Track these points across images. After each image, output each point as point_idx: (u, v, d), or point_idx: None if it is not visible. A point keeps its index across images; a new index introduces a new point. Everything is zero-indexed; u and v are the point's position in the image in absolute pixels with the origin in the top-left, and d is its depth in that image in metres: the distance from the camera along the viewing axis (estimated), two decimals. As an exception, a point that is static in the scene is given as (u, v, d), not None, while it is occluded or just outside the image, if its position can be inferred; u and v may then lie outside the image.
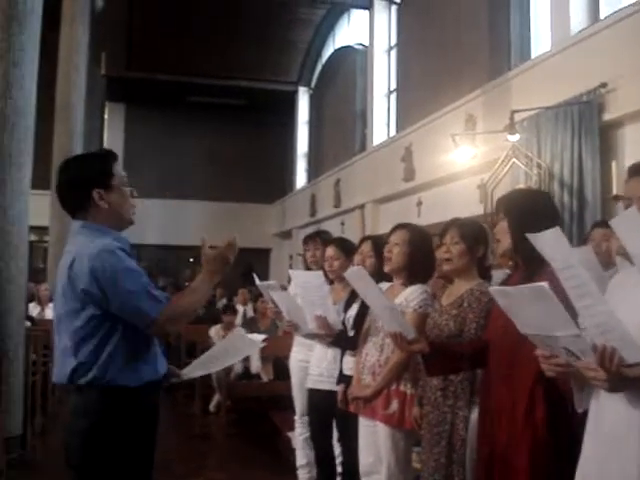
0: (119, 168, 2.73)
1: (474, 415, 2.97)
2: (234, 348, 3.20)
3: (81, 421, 2.52)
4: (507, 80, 8.75)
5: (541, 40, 8.99)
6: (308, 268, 4.79)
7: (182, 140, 20.60)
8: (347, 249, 4.41)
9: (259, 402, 7.70)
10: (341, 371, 3.99)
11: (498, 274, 3.36)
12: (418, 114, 11.33)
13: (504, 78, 8.86)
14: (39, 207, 8.85)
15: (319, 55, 19.18)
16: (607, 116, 6.81)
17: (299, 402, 4.83)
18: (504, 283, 2.86)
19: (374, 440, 3.57)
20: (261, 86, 19.24)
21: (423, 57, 12.29)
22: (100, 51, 17.08)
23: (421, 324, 3.31)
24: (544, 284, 1.85)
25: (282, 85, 19.93)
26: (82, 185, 2.64)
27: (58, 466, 5.23)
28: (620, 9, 6.99)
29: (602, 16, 7.49)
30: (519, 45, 9.38)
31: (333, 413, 4.14)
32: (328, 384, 4.21)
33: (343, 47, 17.36)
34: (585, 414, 2.11)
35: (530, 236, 1.98)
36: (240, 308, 10.81)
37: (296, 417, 4.91)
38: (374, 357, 3.59)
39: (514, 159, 7.85)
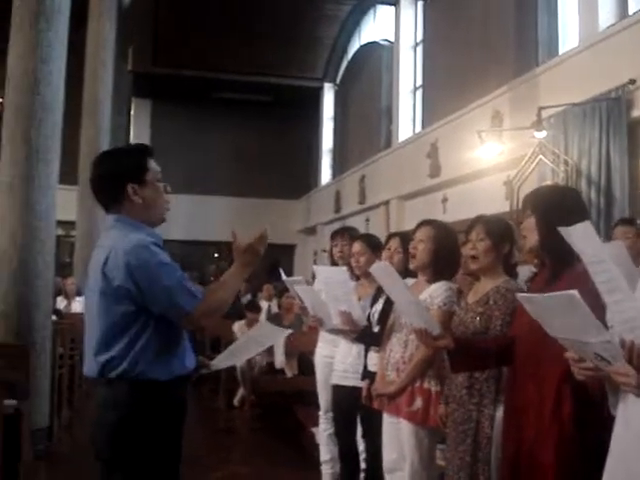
0: (154, 163, 2.73)
1: (500, 413, 2.95)
2: (261, 337, 3.22)
3: (110, 414, 2.54)
4: (534, 76, 8.69)
5: (569, 36, 8.91)
6: (334, 263, 4.78)
7: (208, 136, 20.68)
8: (373, 245, 4.41)
9: (283, 397, 7.71)
10: (365, 367, 3.99)
11: (524, 271, 3.34)
12: (444, 110, 11.28)
13: (531, 74, 8.79)
14: (66, 202, 8.94)
15: (345, 51, 19.14)
16: (635, 112, 6.74)
17: (323, 398, 4.83)
18: (530, 281, 2.84)
19: (398, 437, 3.56)
20: (286, 82, 19.25)
21: (449, 53, 12.22)
22: (127, 47, 17.18)
23: (446, 321, 3.29)
24: (574, 292, 1.83)
25: (307, 81, 19.92)
26: (117, 179, 2.65)
27: (84, 458, 5.29)
28: (650, 4, 6.91)
29: (630, 12, 7.41)
30: (546, 41, 9.30)
31: (357, 409, 4.14)
32: (352, 380, 4.21)
33: (369, 43, 17.31)
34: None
35: (562, 230, 1.96)
36: (265, 304, 10.83)
37: (320, 413, 4.92)
38: (398, 353, 3.58)
39: (541, 156, 7.79)
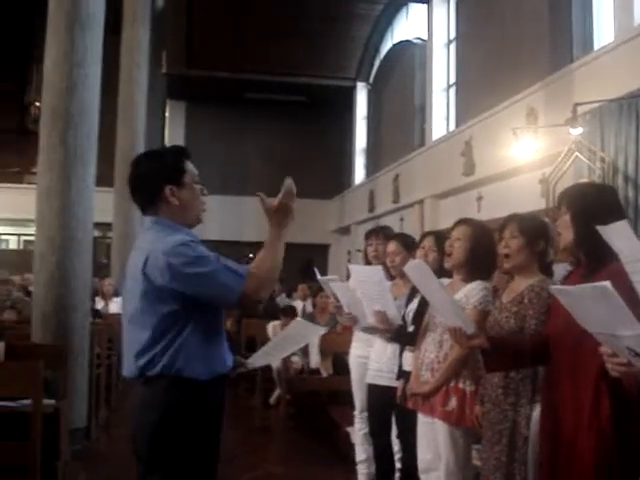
0: (191, 166, 2.75)
1: (536, 413, 2.92)
2: (297, 335, 3.23)
3: (150, 414, 2.56)
4: (569, 72, 8.59)
5: (604, 31, 8.80)
6: (369, 263, 4.77)
7: (241, 137, 20.79)
8: (409, 244, 4.40)
9: (318, 397, 7.73)
10: (400, 367, 3.98)
11: (559, 269, 3.30)
12: (478, 108, 11.21)
13: (566, 70, 8.70)
14: (102, 204, 9.04)
15: (377, 50, 19.11)
16: (673, 108, 6.64)
17: (358, 398, 4.83)
18: (565, 279, 2.81)
19: (433, 437, 3.55)
20: (319, 82, 19.29)
21: (483, 50, 12.14)
22: (161, 50, 17.35)
23: (481, 321, 3.27)
24: (607, 284, 1.82)
25: (340, 81, 19.93)
26: (155, 180, 2.67)
27: (121, 457, 5.36)
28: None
29: (667, 6, 7.31)
30: (581, 36, 9.20)
31: (392, 409, 4.14)
32: (387, 380, 4.21)
33: (401, 42, 17.27)
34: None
35: (599, 228, 1.95)
36: (299, 303, 10.87)
37: (355, 412, 4.92)
38: (433, 353, 3.57)
39: (577, 153, 7.70)
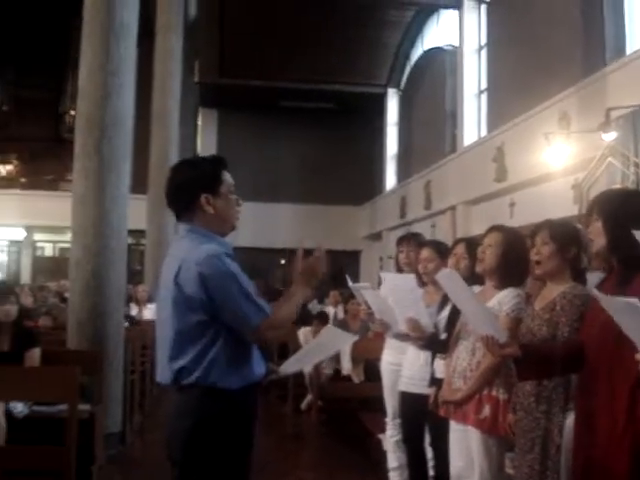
0: (228, 176, 2.79)
1: (569, 421, 2.90)
2: (328, 342, 3.25)
3: (184, 419, 2.59)
4: (602, 77, 8.52)
5: (637, 35, 8.71)
6: (400, 270, 4.76)
7: (274, 144, 20.90)
8: (442, 251, 4.38)
9: (350, 403, 7.73)
10: (433, 374, 3.97)
11: (592, 278, 3.28)
12: (510, 113, 11.15)
13: (599, 75, 8.63)
14: (136, 211, 9.14)
15: (408, 57, 19.10)
16: None
17: (390, 404, 4.82)
18: (599, 287, 2.79)
19: (465, 444, 3.53)
20: (350, 89, 19.34)
21: (514, 55, 12.09)
22: (193, 59, 17.52)
23: (513, 328, 3.26)
24: (637, 301, 1.82)
25: (371, 87, 19.96)
26: (192, 188, 2.72)
27: (155, 462, 5.41)
28: None
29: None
30: (614, 40, 9.11)
31: (424, 416, 4.12)
32: (419, 387, 4.19)
33: (432, 48, 17.25)
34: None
35: (637, 233, 1.94)
36: (331, 310, 10.87)
37: (387, 419, 4.91)
38: (465, 361, 3.55)
39: (610, 158, 7.63)
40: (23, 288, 10.86)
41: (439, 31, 16.96)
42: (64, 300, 10.26)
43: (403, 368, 4.49)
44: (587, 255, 3.22)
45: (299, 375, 8.24)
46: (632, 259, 2.46)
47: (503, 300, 3.46)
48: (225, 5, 16.64)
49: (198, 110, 20.54)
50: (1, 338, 5.48)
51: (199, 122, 21.19)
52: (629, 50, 8.67)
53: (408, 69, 19.36)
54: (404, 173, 19.12)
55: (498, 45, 13.08)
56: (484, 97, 13.83)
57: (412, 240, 4.84)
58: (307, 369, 8.03)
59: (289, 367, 3.16)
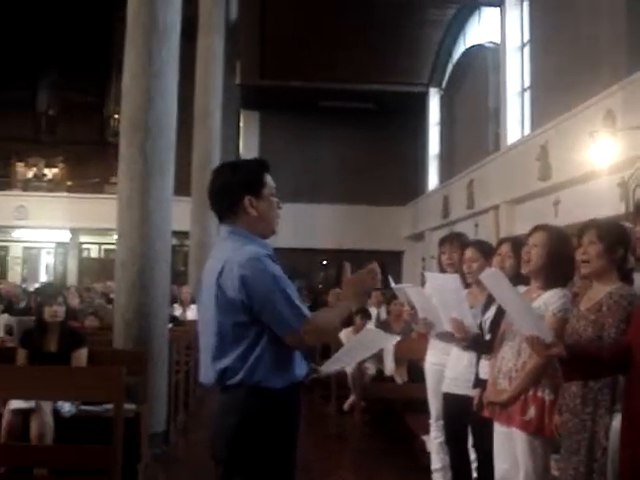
0: (270, 179, 2.82)
1: (616, 423, 2.86)
2: (368, 342, 3.26)
3: (228, 418, 2.61)
4: (649, 73, 8.37)
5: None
6: (443, 271, 4.72)
7: (315, 144, 20.94)
8: (486, 251, 4.33)
9: (393, 404, 7.71)
10: (477, 375, 3.94)
11: (639, 278, 3.22)
12: (554, 111, 11.01)
13: (646, 71, 8.47)
14: (180, 212, 9.22)
15: (450, 55, 18.99)
16: None
17: (434, 406, 4.80)
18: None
19: (510, 446, 3.50)
20: (392, 89, 19.29)
21: (558, 52, 11.93)
22: (235, 61, 17.64)
23: (559, 328, 3.22)
24: None
25: (413, 87, 19.89)
26: (235, 190, 2.74)
27: (199, 461, 5.46)
28: None
29: None
30: (661, 36, 8.94)
31: (468, 418, 4.09)
32: (463, 388, 4.16)
33: (474, 46, 17.12)
34: None
35: None
36: (374, 310, 10.83)
37: (431, 420, 4.88)
38: (510, 362, 3.51)
39: (657, 156, 7.49)
40: (70, 289, 11.04)
41: (481, 28, 16.83)
42: (110, 301, 10.41)
43: (446, 369, 4.46)
44: (634, 255, 3.16)
45: (342, 375, 8.24)
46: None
47: (549, 300, 3.42)
48: (266, 6, 16.74)
49: (240, 112, 20.67)
50: (49, 339, 5.58)
51: (241, 124, 21.33)
52: (677, 45, 8.51)
53: (450, 68, 19.25)
54: (446, 173, 19.00)
55: (541, 41, 12.92)
56: (527, 95, 13.67)
57: (455, 241, 4.79)
58: (349, 369, 8.03)
59: (330, 366, 3.19)
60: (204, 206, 12.50)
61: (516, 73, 13.93)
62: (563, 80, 11.53)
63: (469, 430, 4.23)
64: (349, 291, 2.78)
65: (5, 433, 5.03)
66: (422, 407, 5.25)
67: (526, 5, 13.81)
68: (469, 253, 4.37)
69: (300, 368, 2.73)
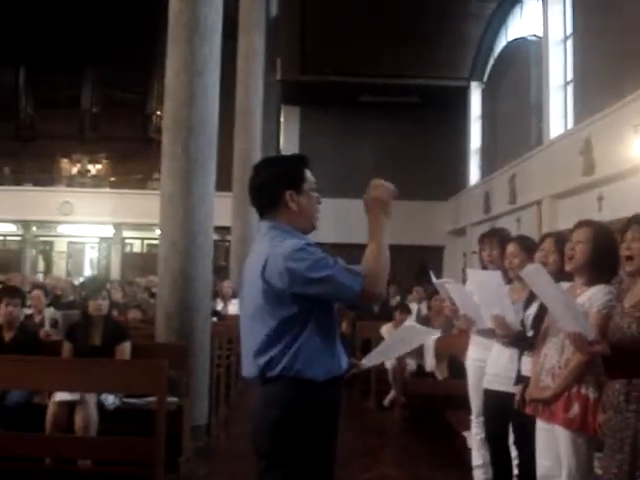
0: (310, 174, 2.84)
1: (660, 420, 2.82)
2: (408, 337, 3.27)
3: (270, 411, 2.64)
4: (697, 65, 8.19)
5: None
6: (484, 267, 4.70)
7: (355, 139, 20.90)
8: (528, 246, 4.29)
9: (433, 400, 7.68)
10: (519, 371, 3.91)
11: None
12: (598, 105, 10.85)
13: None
14: (221, 208, 9.29)
15: (491, 49, 18.81)
16: None
17: (475, 402, 4.78)
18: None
19: (552, 443, 3.47)
20: (433, 83, 19.16)
21: (602, 44, 11.73)
22: (275, 57, 17.69)
23: (603, 325, 3.17)
24: None
25: (454, 81, 19.73)
26: (276, 185, 2.76)
27: (240, 454, 5.50)
28: None
29: None
30: None
31: (509, 414, 4.07)
32: (504, 385, 4.14)
33: (516, 39, 16.94)
34: None
35: None
36: (414, 306, 10.80)
37: (472, 417, 4.87)
38: (554, 358, 3.48)
39: None
40: (113, 283, 11.19)
41: (523, 22, 16.64)
42: (152, 295, 10.53)
43: (488, 365, 4.44)
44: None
45: (382, 371, 8.24)
46: None
47: (594, 297, 3.37)
48: (306, 2, 16.75)
49: (280, 107, 20.74)
50: (93, 332, 5.68)
51: (282, 119, 21.39)
52: None
53: (491, 62, 19.06)
54: (488, 167, 18.83)
55: (585, 34, 12.73)
56: (570, 88, 13.48)
57: (494, 237, 4.75)
58: (389, 364, 8.03)
59: (371, 360, 3.21)
60: (245, 201, 12.58)
61: (559, 66, 13.74)
62: (607, 73, 11.35)
63: (510, 427, 4.21)
64: (369, 213, 2.77)
65: (50, 425, 5.13)
66: (463, 403, 5.23)
67: (569, -3, 13.63)
68: (511, 248, 4.34)
69: (341, 361, 2.75)
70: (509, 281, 4.34)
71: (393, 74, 18.57)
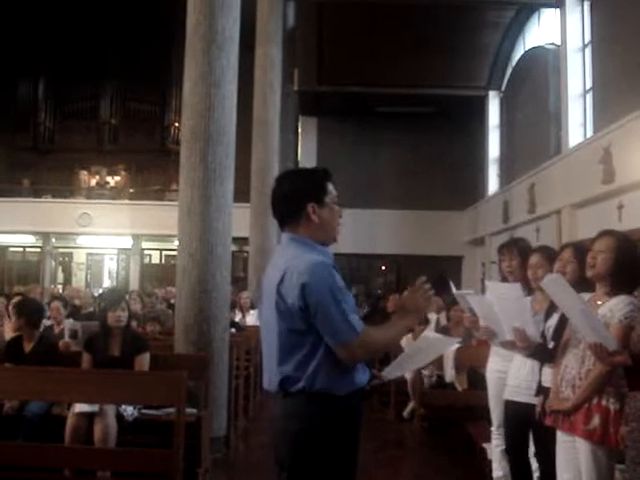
0: (332, 187, 2.84)
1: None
2: (427, 348, 3.25)
3: (292, 424, 2.64)
4: None
5: None
6: (504, 278, 4.66)
7: (373, 149, 20.93)
8: (552, 257, 4.25)
9: (453, 411, 7.63)
10: (540, 383, 3.88)
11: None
12: (617, 113, 10.78)
13: None
14: (239, 219, 9.31)
15: (509, 58, 18.77)
16: None
17: (496, 413, 4.73)
18: None
19: (572, 455, 3.43)
20: (450, 92, 19.16)
21: (621, 52, 11.68)
22: (292, 68, 17.74)
23: (625, 336, 3.14)
24: None
25: (471, 90, 19.72)
26: (298, 197, 2.77)
27: (259, 466, 5.48)
28: None
29: None
30: None
31: (530, 426, 4.04)
32: (525, 396, 4.11)
33: (534, 48, 16.90)
34: None
35: None
36: (433, 316, 10.74)
37: (492, 428, 4.82)
38: (574, 369, 3.45)
39: None
40: (132, 294, 11.22)
41: (540, 30, 16.60)
42: (170, 306, 10.54)
43: (509, 376, 4.40)
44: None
45: (401, 382, 8.20)
46: None
47: (615, 307, 3.34)
48: (323, 13, 16.79)
49: (298, 118, 20.78)
50: (112, 343, 5.69)
51: (299, 130, 21.44)
52: None
53: (509, 70, 19.03)
54: (507, 177, 18.77)
55: (603, 42, 12.68)
56: (589, 97, 13.42)
57: (513, 247, 4.71)
58: (408, 375, 7.98)
59: (391, 372, 3.18)
60: (263, 212, 12.61)
61: (577, 74, 13.69)
62: (626, 81, 11.28)
63: (531, 438, 4.17)
64: (402, 310, 2.80)
65: (69, 436, 5.14)
66: (483, 414, 5.19)
67: (587, 5, 13.58)
68: (535, 259, 4.30)
69: (362, 375, 2.74)
70: (530, 292, 4.30)
71: (410, 84, 18.58)
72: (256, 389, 8.75)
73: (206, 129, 6.59)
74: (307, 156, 21.04)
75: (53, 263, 23.75)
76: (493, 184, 20.01)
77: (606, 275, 3.41)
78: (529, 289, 4.30)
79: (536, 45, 16.74)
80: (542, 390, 3.79)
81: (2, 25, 22.33)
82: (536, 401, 3.83)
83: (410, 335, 8.56)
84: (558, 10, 14.41)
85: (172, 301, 10.37)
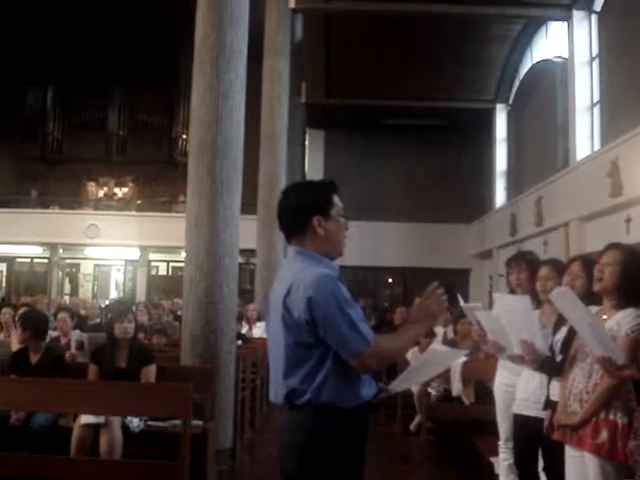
0: (338, 199, 2.83)
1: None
2: (435, 360, 3.24)
3: (298, 436, 2.63)
4: None
5: None
6: (512, 291, 4.64)
7: (380, 162, 20.95)
8: (561, 269, 4.24)
9: (460, 425, 7.58)
10: (548, 396, 3.85)
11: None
12: (625, 126, 10.77)
13: None
14: (246, 231, 9.31)
15: (516, 71, 18.79)
16: None
17: (503, 427, 4.71)
18: None
19: (581, 470, 3.40)
20: (458, 105, 19.18)
21: (629, 65, 11.68)
22: (300, 80, 17.79)
23: (633, 349, 3.12)
24: None
25: (479, 103, 19.74)
26: (304, 210, 2.77)
27: (264, 479, 5.45)
28: None
29: None
30: None
31: (538, 440, 4.01)
32: (534, 410, 4.09)
33: (541, 61, 16.91)
34: None
35: None
36: (440, 329, 10.71)
37: (500, 442, 4.80)
38: (582, 383, 3.43)
39: None
40: (139, 306, 11.23)
41: (548, 43, 16.61)
42: (177, 318, 10.54)
43: (517, 390, 4.38)
44: None
45: (408, 395, 8.16)
46: None
47: (622, 320, 3.32)
48: (330, 26, 16.84)
49: (305, 130, 20.84)
50: (119, 355, 5.69)
51: (307, 142, 21.48)
52: None
53: (517, 83, 19.04)
54: (514, 189, 18.75)
55: (611, 55, 12.68)
56: (597, 110, 13.42)
57: (521, 260, 4.70)
58: (414, 388, 7.94)
59: (399, 385, 3.17)
60: (270, 224, 12.61)
61: (585, 88, 13.69)
62: (634, 93, 11.28)
63: (539, 452, 4.14)
64: (414, 315, 2.78)
65: (75, 447, 5.13)
66: (490, 428, 5.15)
67: (594, 18, 13.59)
68: (544, 271, 4.29)
69: (368, 388, 2.73)
70: (538, 305, 4.28)
71: (417, 97, 18.61)
72: (262, 401, 8.73)
73: (214, 141, 6.61)
74: (314, 169, 21.06)
75: (60, 274, 23.80)
76: (500, 197, 19.99)
77: (613, 288, 3.39)
78: (537, 302, 4.28)
79: (544, 58, 16.75)
80: (550, 404, 3.77)
81: (11, 34, 22.48)
82: (544, 415, 3.80)
83: (416, 348, 8.55)
84: (566, 23, 14.43)
85: (179, 313, 10.37)
